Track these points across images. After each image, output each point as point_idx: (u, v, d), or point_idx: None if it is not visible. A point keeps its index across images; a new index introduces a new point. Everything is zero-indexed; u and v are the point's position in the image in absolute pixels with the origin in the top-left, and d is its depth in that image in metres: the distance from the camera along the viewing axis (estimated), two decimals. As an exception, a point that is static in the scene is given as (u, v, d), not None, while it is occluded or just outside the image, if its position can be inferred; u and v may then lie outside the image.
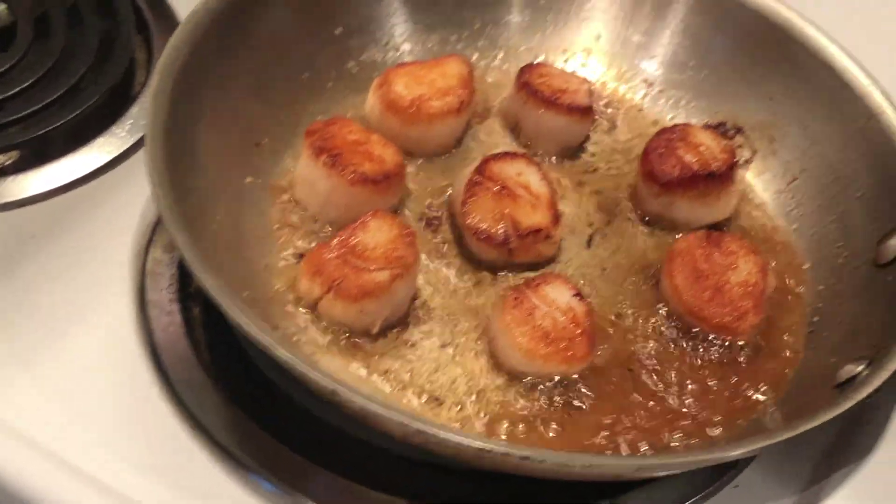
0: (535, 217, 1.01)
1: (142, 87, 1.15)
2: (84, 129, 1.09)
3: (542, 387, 0.94)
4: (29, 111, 1.08)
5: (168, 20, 1.21)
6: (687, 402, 0.95)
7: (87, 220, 1.02)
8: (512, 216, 1.00)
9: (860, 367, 0.90)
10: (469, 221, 1.00)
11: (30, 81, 1.10)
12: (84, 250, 0.99)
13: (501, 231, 0.99)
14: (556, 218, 1.01)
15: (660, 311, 1.01)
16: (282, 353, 0.79)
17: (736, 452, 0.83)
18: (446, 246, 1.03)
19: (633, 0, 1.19)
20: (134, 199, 1.03)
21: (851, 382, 0.89)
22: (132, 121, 1.11)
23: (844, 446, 0.97)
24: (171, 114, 0.94)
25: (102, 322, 0.95)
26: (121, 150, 1.08)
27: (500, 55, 1.20)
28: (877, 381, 0.86)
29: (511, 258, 1.01)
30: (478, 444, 0.78)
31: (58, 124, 1.07)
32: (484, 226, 0.99)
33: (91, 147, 1.08)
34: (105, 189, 1.05)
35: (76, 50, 1.14)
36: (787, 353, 0.99)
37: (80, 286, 0.97)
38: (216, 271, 0.85)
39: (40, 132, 1.06)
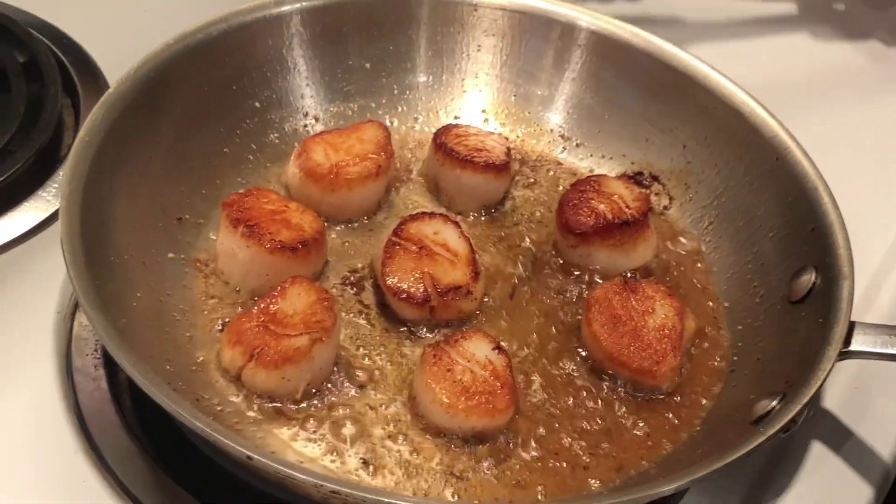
0: (454, 274, 1.02)
1: (69, 149, 1.16)
2: (12, 192, 1.11)
3: (467, 442, 0.94)
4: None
5: (96, 82, 1.25)
6: (607, 446, 0.96)
7: (13, 285, 1.04)
8: (431, 275, 1.02)
9: (774, 402, 0.92)
10: (389, 282, 1.01)
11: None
12: (9, 315, 1.01)
13: (421, 290, 1.01)
14: (476, 274, 1.03)
15: (581, 360, 1.02)
16: (194, 421, 0.80)
17: (669, 487, 0.84)
18: (370, 307, 1.04)
19: (540, 59, 1.22)
20: (59, 263, 1.03)
21: (767, 417, 0.91)
22: (57, 185, 1.13)
23: (767, 481, 0.98)
24: (88, 194, 0.96)
25: (28, 387, 0.96)
26: (48, 214, 1.10)
27: (420, 118, 1.23)
28: (789, 414, 0.88)
29: (433, 316, 1.02)
30: (391, 500, 0.78)
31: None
32: (404, 286, 1.01)
33: (18, 210, 1.10)
34: (31, 253, 1.07)
35: (3, 114, 1.16)
36: (707, 387, 1.01)
37: (5, 351, 0.99)
38: (136, 347, 0.86)
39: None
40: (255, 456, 0.79)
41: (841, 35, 1.51)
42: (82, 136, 0.99)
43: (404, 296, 1.01)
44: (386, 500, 0.78)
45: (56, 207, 1.12)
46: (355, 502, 0.80)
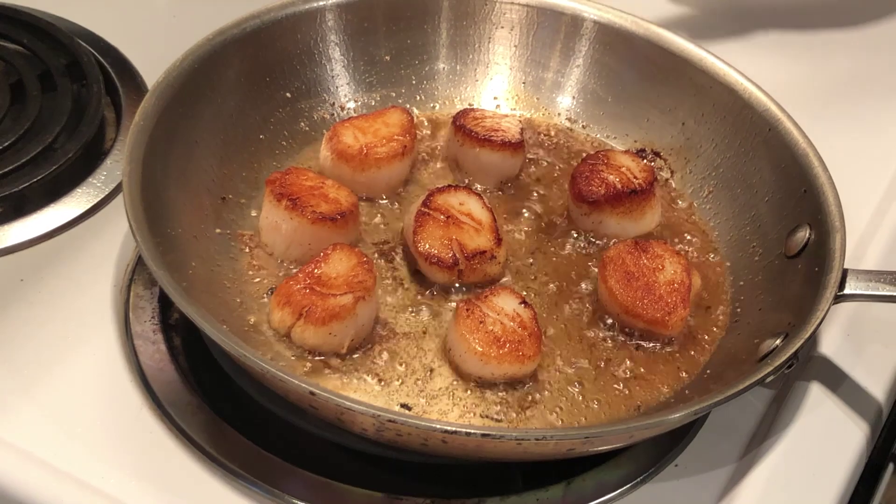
0: (479, 240, 1.12)
1: (112, 143, 1.26)
2: (61, 182, 1.20)
3: (499, 387, 1.04)
4: (8, 169, 1.18)
5: (134, 81, 1.33)
6: (625, 390, 1.06)
7: (71, 264, 1.12)
8: (458, 241, 1.11)
9: (778, 341, 1.01)
10: (421, 248, 1.10)
11: (8, 143, 1.21)
12: (70, 290, 1.10)
13: (450, 255, 1.10)
14: (499, 240, 1.12)
15: (597, 315, 1.11)
16: (262, 363, 0.89)
17: (678, 415, 0.93)
18: (401, 273, 1.13)
19: (547, 48, 1.32)
20: (111, 242, 1.14)
21: (772, 353, 1.00)
22: (105, 173, 1.22)
23: (771, 420, 1.07)
24: (144, 173, 1.05)
25: (93, 352, 1.05)
26: (97, 200, 1.19)
27: (437, 106, 1.33)
28: (791, 349, 0.97)
29: (461, 279, 1.11)
30: (442, 426, 0.87)
31: (36, 179, 1.18)
32: (434, 251, 1.10)
33: (70, 198, 1.19)
34: (84, 235, 1.15)
35: (51, 112, 1.25)
36: (712, 337, 1.11)
37: (70, 321, 1.07)
38: (196, 305, 0.95)
39: (20, 187, 1.17)
40: (318, 391, 0.88)
41: None
42: (137, 122, 1.08)
43: (435, 260, 1.10)
44: (439, 427, 0.87)
45: (106, 193, 1.21)
46: (407, 432, 0.89)
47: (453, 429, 0.87)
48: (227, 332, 0.93)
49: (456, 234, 1.11)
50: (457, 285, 1.12)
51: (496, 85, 1.34)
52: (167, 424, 1.00)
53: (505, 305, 1.05)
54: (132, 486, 0.96)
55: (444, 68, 1.33)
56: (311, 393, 0.88)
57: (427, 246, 1.10)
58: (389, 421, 0.87)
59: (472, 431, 0.87)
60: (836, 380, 1.11)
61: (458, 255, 1.10)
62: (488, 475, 1.02)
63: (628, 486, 1.01)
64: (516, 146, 1.22)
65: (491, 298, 1.05)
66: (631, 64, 1.29)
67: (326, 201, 1.12)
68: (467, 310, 1.04)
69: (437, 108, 1.33)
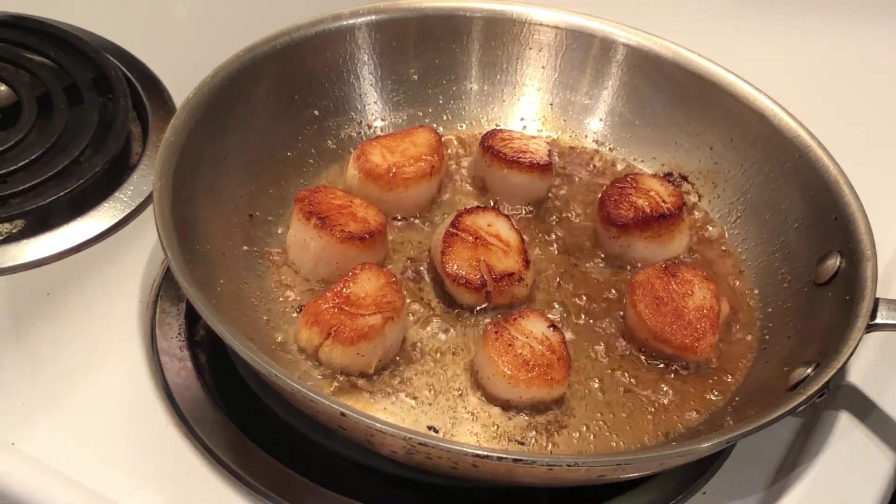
0: (507, 262, 1.11)
1: (139, 158, 1.26)
2: (87, 197, 1.20)
3: (527, 410, 1.03)
4: (34, 183, 1.18)
5: (160, 96, 1.33)
6: (652, 415, 1.05)
7: (97, 279, 1.12)
8: (487, 262, 1.10)
9: (809, 370, 1.01)
10: (449, 269, 1.10)
11: (34, 156, 1.21)
12: (97, 305, 1.09)
13: (478, 277, 1.10)
14: (527, 262, 1.12)
15: (625, 339, 1.11)
16: (292, 383, 0.89)
17: (709, 444, 0.92)
18: (428, 293, 1.13)
19: (576, 70, 1.32)
20: (138, 258, 1.14)
21: (803, 382, 0.99)
22: (132, 188, 1.21)
23: (800, 449, 1.07)
24: (174, 189, 1.05)
25: (119, 368, 1.05)
26: (123, 215, 1.19)
27: (464, 126, 1.32)
28: (823, 379, 0.96)
29: (488, 301, 1.11)
30: (475, 451, 0.87)
31: (62, 193, 1.17)
32: (462, 272, 1.10)
33: (96, 212, 1.18)
34: (110, 250, 1.15)
35: (78, 125, 1.25)
36: (741, 365, 1.10)
37: (97, 337, 1.07)
38: (225, 322, 0.95)
39: (47, 201, 1.17)
40: (349, 412, 0.88)
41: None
42: (167, 137, 1.08)
43: (463, 281, 1.09)
44: (471, 451, 0.87)
45: (132, 208, 1.20)
46: (438, 455, 0.89)
47: (485, 453, 0.87)
48: (257, 351, 0.92)
49: (484, 256, 1.11)
50: (484, 306, 1.11)
51: (523, 106, 1.33)
52: (193, 442, 1.00)
53: (534, 329, 1.04)
54: (158, 503, 0.95)
55: (471, 88, 1.33)
56: (342, 414, 0.88)
57: (455, 267, 1.10)
58: (420, 444, 0.87)
59: (504, 456, 0.87)
60: (865, 409, 1.10)
61: (486, 277, 1.10)
62: (515, 499, 1.02)
63: (656, 512, 1.00)
64: (544, 168, 1.22)
65: (520, 321, 1.05)
66: (660, 87, 1.29)
67: (355, 220, 1.11)
68: (496, 332, 1.03)
69: (464, 127, 1.32)
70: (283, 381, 0.89)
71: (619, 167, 1.30)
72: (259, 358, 0.91)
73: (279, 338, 1.06)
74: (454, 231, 1.12)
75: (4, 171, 1.21)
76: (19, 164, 1.21)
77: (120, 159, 1.26)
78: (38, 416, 1.00)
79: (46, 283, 1.11)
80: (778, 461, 1.06)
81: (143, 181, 1.24)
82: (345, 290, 1.05)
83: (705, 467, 1.04)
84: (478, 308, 1.11)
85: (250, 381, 1.05)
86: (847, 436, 1.08)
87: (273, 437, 1.02)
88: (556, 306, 1.14)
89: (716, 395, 1.07)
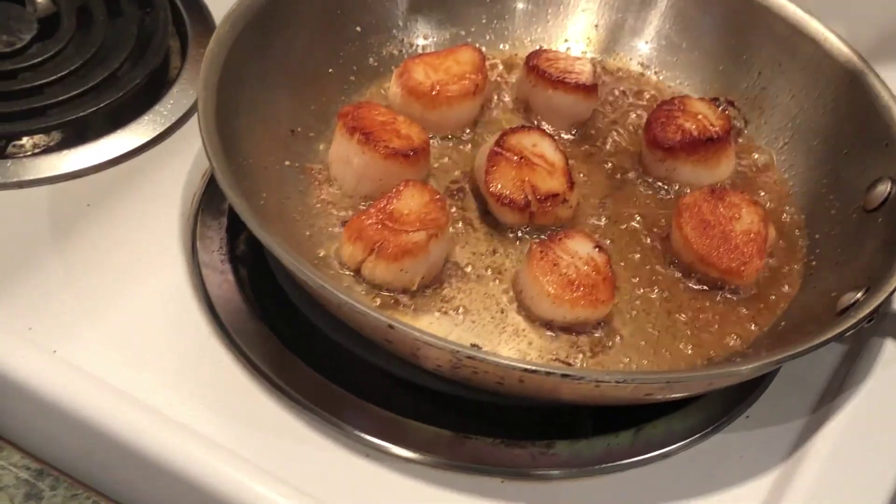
0: (551, 183, 1.10)
1: (177, 72, 1.24)
2: (126, 110, 1.18)
3: (570, 331, 1.02)
4: (71, 94, 1.16)
5: (200, 11, 1.31)
6: (697, 337, 1.04)
7: (137, 191, 1.11)
8: (531, 183, 1.09)
9: (859, 294, 0.99)
10: (493, 189, 1.09)
11: (73, 68, 1.19)
12: (137, 217, 1.08)
13: (522, 197, 1.09)
14: (571, 184, 1.10)
15: (669, 261, 1.10)
16: (340, 295, 0.88)
17: (759, 363, 0.92)
18: (471, 213, 1.12)
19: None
20: (177, 172, 1.13)
21: (852, 308, 0.98)
22: (172, 102, 1.20)
23: (844, 375, 1.06)
24: (218, 101, 1.03)
25: (161, 280, 1.04)
26: (163, 129, 1.17)
27: (506, 46, 1.30)
28: (875, 302, 0.95)
29: (531, 221, 1.09)
30: (523, 365, 0.86)
31: (101, 106, 1.16)
32: (506, 192, 1.08)
33: (136, 125, 1.17)
34: (150, 163, 1.14)
35: (117, 39, 1.24)
36: (787, 290, 1.09)
37: (138, 248, 1.06)
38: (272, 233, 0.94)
39: (84, 113, 1.15)
40: (397, 325, 0.87)
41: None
42: (211, 48, 1.07)
43: (507, 201, 1.08)
44: (519, 366, 0.86)
45: (171, 122, 1.19)
46: (484, 370, 0.88)
47: (533, 368, 0.86)
48: (304, 262, 0.91)
49: (528, 176, 1.09)
50: (527, 227, 1.10)
51: (568, 27, 1.31)
52: (235, 354, 1.00)
53: (579, 249, 1.03)
54: (200, 412, 0.95)
55: (516, 7, 1.30)
56: (390, 326, 0.87)
57: (499, 186, 1.09)
58: (468, 357, 0.86)
59: (553, 371, 0.86)
60: (912, 336, 1.09)
61: (530, 197, 1.08)
62: (558, 418, 1.01)
63: (698, 435, 1.00)
64: (590, 89, 1.20)
65: (565, 241, 1.04)
66: (709, 10, 1.27)
67: (399, 137, 1.10)
68: (541, 252, 1.02)
69: (507, 48, 1.30)
70: (330, 293, 0.88)
71: (665, 91, 1.28)
72: (306, 269, 0.90)
73: (321, 253, 1.05)
74: (499, 150, 1.10)
75: (41, 82, 1.19)
76: (57, 76, 1.20)
77: (159, 73, 1.25)
78: (80, 325, 1.00)
79: (86, 194, 1.10)
80: (822, 387, 1.05)
81: (182, 95, 1.22)
82: (389, 206, 1.04)
83: (748, 392, 1.04)
84: (521, 228, 1.10)
85: (292, 295, 1.05)
86: (893, 363, 1.07)
87: (315, 350, 1.02)
88: (601, 228, 1.12)
89: (761, 320, 1.06)
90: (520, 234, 1.10)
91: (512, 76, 1.26)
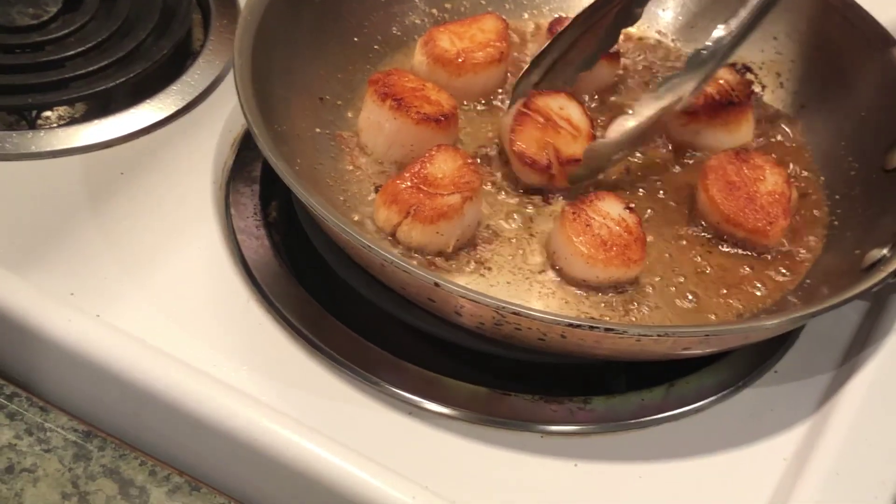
0: (574, 147, 1.12)
1: (201, 44, 1.26)
2: (151, 82, 1.19)
3: (602, 290, 1.04)
4: (97, 66, 1.18)
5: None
6: (725, 294, 1.07)
7: (169, 160, 1.12)
8: (554, 146, 1.11)
9: (885, 251, 1.02)
10: (516, 148, 1.11)
11: (98, 40, 1.20)
12: (170, 185, 1.10)
13: (545, 158, 1.10)
14: None
15: (695, 222, 1.12)
16: (385, 254, 0.90)
17: (797, 315, 0.95)
18: (499, 178, 1.14)
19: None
20: (207, 140, 1.14)
21: (878, 265, 1.01)
22: (198, 73, 1.21)
23: (867, 332, 1.08)
24: (253, 67, 1.05)
25: (198, 245, 1.06)
26: (191, 98, 1.18)
27: (526, 15, 1.32)
28: (901, 259, 0.98)
29: (551, 183, 1.11)
30: (568, 320, 0.88)
31: (128, 77, 1.18)
32: (529, 152, 1.10)
33: (163, 95, 1.18)
34: (179, 133, 1.15)
35: (141, 11, 1.25)
36: (811, 249, 1.12)
37: (174, 214, 1.08)
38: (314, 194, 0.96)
39: (110, 85, 1.17)
40: (443, 283, 0.89)
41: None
42: (244, 16, 1.08)
43: (529, 161, 1.10)
44: (564, 320, 0.88)
45: (199, 92, 1.20)
46: (528, 326, 0.90)
47: (577, 322, 0.88)
48: (346, 221, 0.93)
49: (553, 138, 1.11)
50: (560, 192, 1.12)
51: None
52: (274, 316, 1.01)
53: (611, 210, 1.06)
54: (243, 373, 0.97)
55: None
56: (436, 284, 0.89)
57: (523, 146, 1.10)
58: (513, 314, 0.88)
59: (596, 325, 0.88)
60: (935, 294, 1.11)
61: (552, 159, 1.10)
62: (593, 375, 1.04)
63: (729, 390, 1.02)
64: (613, 55, 1.22)
65: (597, 203, 1.06)
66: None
67: (429, 103, 1.12)
68: (574, 213, 1.04)
69: (527, 16, 1.32)
70: (376, 252, 0.90)
71: (684, 58, 1.30)
72: (351, 229, 0.92)
73: (356, 217, 1.07)
74: (525, 111, 1.12)
75: (66, 54, 1.20)
76: (82, 49, 1.21)
77: (183, 46, 1.26)
78: (121, 289, 1.01)
79: (118, 163, 1.12)
80: (847, 343, 1.08)
81: (207, 67, 1.24)
82: (422, 170, 1.06)
83: (775, 348, 1.06)
84: (553, 192, 1.12)
85: (329, 258, 1.07)
86: (915, 321, 1.09)
87: (351, 311, 1.03)
88: (627, 191, 1.14)
89: (787, 278, 1.09)
90: (550, 197, 1.12)
91: (534, 44, 1.28)
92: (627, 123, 1.11)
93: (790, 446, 0.99)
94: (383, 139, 1.12)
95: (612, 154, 1.13)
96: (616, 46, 1.22)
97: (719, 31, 1.09)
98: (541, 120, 1.12)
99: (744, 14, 1.10)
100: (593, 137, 1.13)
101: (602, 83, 1.24)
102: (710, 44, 1.10)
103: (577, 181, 1.12)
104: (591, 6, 1.18)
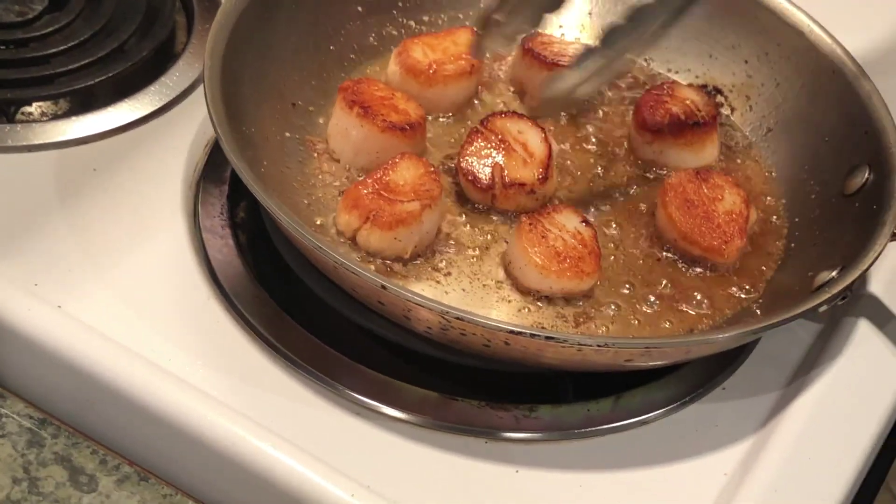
0: (523, 172, 1.12)
1: (183, 47, 1.28)
2: (132, 82, 1.22)
3: (556, 302, 1.06)
4: (81, 64, 1.20)
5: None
6: (678, 311, 1.09)
7: (142, 158, 1.14)
8: (502, 166, 1.12)
9: (834, 273, 1.03)
10: (462, 163, 1.13)
11: (81, 39, 1.23)
12: (142, 183, 1.12)
13: (488, 177, 1.12)
14: (545, 178, 1.13)
15: (653, 239, 1.14)
16: (336, 256, 0.92)
17: (735, 333, 0.97)
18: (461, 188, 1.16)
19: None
20: (181, 141, 1.16)
21: (826, 285, 1.02)
22: (177, 75, 1.23)
23: (819, 351, 1.10)
24: (224, 70, 1.07)
25: (164, 242, 1.08)
26: (168, 100, 1.20)
27: (503, 31, 1.34)
28: (848, 280, 0.99)
29: (493, 204, 1.13)
30: (509, 327, 0.90)
31: (109, 75, 1.20)
32: (474, 168, 1.12)
33: (142, 95, 1.20)
34: (155, 132, 1.17)
35: (125, 12, 1.28)
36: (765, 269, 1.14)
37: (142, 211, 1.10)
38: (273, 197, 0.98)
39: (92, 82, 1.19)
40: (389, 285, 0.91)
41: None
42: (218, 20, 1.10)
43: (471, 178, 1.12)
44: (505, 327, 0.90)
45: (176, 94, 1.22)
46: (472, 332, 0.92)
47: (518, 330, 0.90)
48: (302, 224, 0.95)
49: (504, 159, 1.13)
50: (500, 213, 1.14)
51: (562, 13, 1.34)
52: (233, 315, 1.03)
53: (567, 223, 1.07)
54: (198, 369, 0.98)
55: (512, -10, 1.34)
56: (383, 287, 0.91)
57: (469, 162, 1.12)
58: (457, 319, 0.90)
59: (537, 333, 0.90)
60: (884, 318, 1.13)
61: (496, 180, 1.12)
62: (540, 384, 1.05)
63: (676, 404, 1.04)
64: (583, 72, 1.23)
65: (553, 215, 1.08)
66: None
67: (396, 112, 1.14)
68: (530, 224, 1.06)
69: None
70: (327, 254, 0.92)
71: (655, 78, 1.32)
72: (304, 231, 0.94)
73: (318, 221, 1.09)
74: (480, 129, 1.14)
75: (50, 51, 1.23)
76: (66, 46, 1.23)
77: (165, 47, 1.29)
78: (85, 282, 1.03)
79: (92, 159, 1.14)
80: (796, 363, 1.09)
81: (187, 68, 1.26)
82: (385, 177, 1.08)
83: (725, 365, 1.08)
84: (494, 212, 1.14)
85: (290, 260, 1.09)
86: (865, 343, 1.11)
87: (310, 314, 1.05)
88: (588, 206, 1.16)
89: (739, 297, 1.10)
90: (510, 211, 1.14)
91: (508, 61, 1.30)
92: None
93: (731, 462, 1.01)
94: (350, 146, 1.14)
95: (576, 83, 1.10)
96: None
97: None
98: (494, 139, 1.14)
99: None
100: (547, 166, 1.13)
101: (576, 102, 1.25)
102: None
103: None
104: None
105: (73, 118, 1.17)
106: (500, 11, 1.08)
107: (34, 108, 1.21)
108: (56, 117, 1.19)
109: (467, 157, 1.13)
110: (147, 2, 1.30)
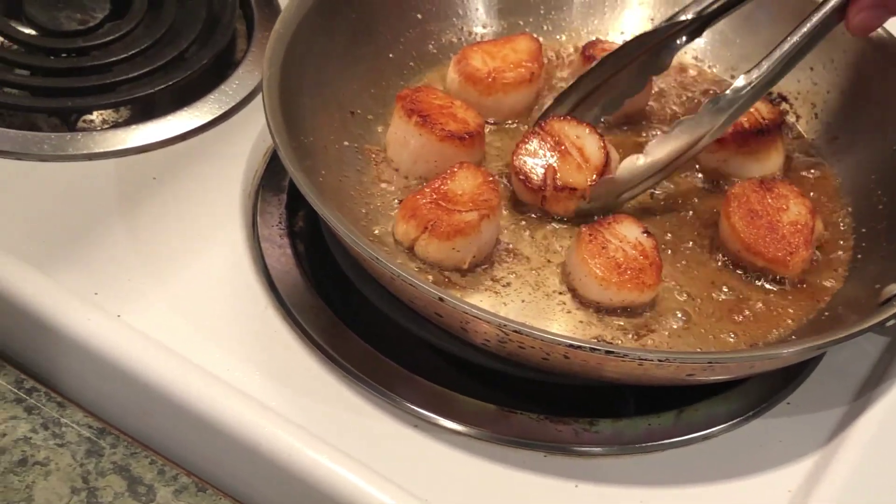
0: (576, 176, 1.11)
1: (243, 55, 1.28)
2: (192, 90, 1.22)
3: (617, 313, 1.05)
4: (142, 72, 1.21)
5: (267, -4, 1.36)
6: (741, 321, 1.06)
7: (202, 166, 1.15)
8: (556, 169, 1.11)
9: (901, 286, 1.01)
10: (516, 161, 1.12)
11: (142, 47, 1.24)
12: (201, 191, 1.12)
13: (540, 177, 1.11)
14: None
15: (716, 250, 1.12)
16: (393, 267, 0.91)
17: (799, 348, 0.95)
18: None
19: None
20: (240, 149, 1.16)
21: (893, 299, 1.00)
22: (237, 83, 1.23)
23: (886, 365, 1.07)
24: (282, 79, 1.07)
25: (222, 252, 1.08)
26: (227, 108, 1.20)
27: (563, 37, 1.33)
28: (918, 294, 0.97)
29: (543, 206, 1.12)
30: (568, 341, 0.89)
31: (170, 83, 1.20)
32: (527, 168, 1.11)
33: (201, 103, 1.20)
34: (215, 140, 1.18)
35: (185, 21, 1.28)
36: (831, 281, 1.11)
37: (201, 220, 1.10)
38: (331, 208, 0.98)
39: (154, 90, 1.20)
40: (447, 297, 0.90)
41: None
42: (277, 29, 1.11)
43: (522, 177, 1.11)
44: (564, 341, 0.89)
45: (236, 101, 1.23)
46: (531, 345, 0.91)
47: (578, 344, 0.89)
48: (360, 235, 0.95)
49: (559, 162, 1.11)
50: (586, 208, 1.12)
51: (624, 20, 1.34)
52: (290, 324, 1.03)
53: (628, 233, 1.06)
54: (255, 379, 0.98)
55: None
56: (441, 299, 0.90)
57: (523, 161, 1.11)
58: (515, 332, 0.89)
59: (597, 347, 0.89)
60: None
61: (548, 182, 1.10)
62: (601, 398, 1.04)
63: (739, 419, 1.02)
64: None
65: (614, 226, 1.06)
66: (763, 5, 1.28)
67: (455, 120, 1.13)
68: (590, 235, 1.05)
69: (564, 38, 1.33)
70: (384, 265, 0.92)
71: (719, 84, 1.30)
72: (362, 242, 0.93)
73: (376, 231, 1.09)
74: (538, 130, 1.13)
75: (112, 59, 1.24)
76: (127, 55, 1.24)
77: (225, 55, 1.29)
78: (143, 291, 1.04)
79: (152, 167, 1.15)
80: (863, 377, 1.07)
81: (247, 76, 1.26)
82: (443, 186, 1.07)
83: (790, 379, 1.06)
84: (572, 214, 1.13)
85: (347, 271, 1.08)
86: (936, 356, 1.08)
87: (366, 323, 1.05)
88: (650, 216, 1.15)
89: (804, 310, 1.08)
90: (567, 220, 1.13)
91: (568, 67, 1.28)
92: (637, 162, 1.11)
93: (796, 478, 0.98)
94: (408, 154, 1.13)
95: (620, 191, 1.12)
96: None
97: (740, 81, 1.08)
98: (550, 141, 1.12)
99: (766, 66, 1.09)
100: (604, 174, 1.12)
101: (633, 107, 1.24)
102: (729, 93, 1.08)
103: (583, 215, 1.12)
104: (620, 49, 1.19)
105: (134, 126, 1.17)
106: None
107: (95, 117, 1.22)
108: (116, 125, 1.20)
109: (521, 156, 1.12)
110: (207, 10, 1.31)
